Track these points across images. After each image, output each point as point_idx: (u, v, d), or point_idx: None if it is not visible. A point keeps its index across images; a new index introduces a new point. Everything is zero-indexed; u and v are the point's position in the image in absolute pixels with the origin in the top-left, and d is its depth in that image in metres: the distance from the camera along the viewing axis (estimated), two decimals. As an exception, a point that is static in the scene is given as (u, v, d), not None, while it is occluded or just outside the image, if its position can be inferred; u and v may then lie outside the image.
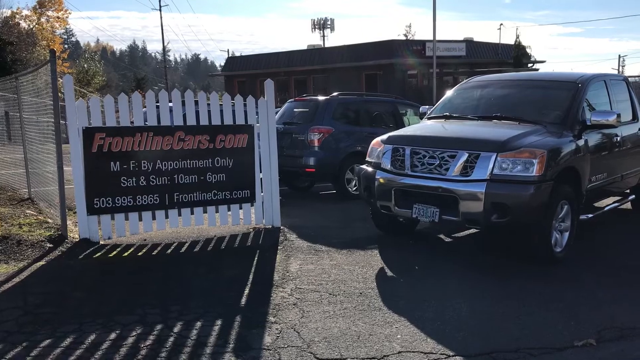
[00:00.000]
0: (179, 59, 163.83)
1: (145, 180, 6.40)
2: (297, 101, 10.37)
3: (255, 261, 5.89)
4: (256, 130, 6.96)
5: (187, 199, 6.63)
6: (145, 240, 6.63)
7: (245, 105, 6.97)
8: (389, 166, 6.09)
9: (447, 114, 6.90)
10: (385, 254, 6.16)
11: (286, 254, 6.13)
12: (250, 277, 5.40)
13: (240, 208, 7.02)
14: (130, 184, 6.34)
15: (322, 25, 70.61)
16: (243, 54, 42.65)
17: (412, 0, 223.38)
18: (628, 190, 7.72)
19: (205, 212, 6.83)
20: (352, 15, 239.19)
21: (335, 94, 10.22)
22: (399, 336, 4.03)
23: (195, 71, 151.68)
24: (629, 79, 8.68)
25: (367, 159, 6.53)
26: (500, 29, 44.28)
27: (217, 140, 6.72)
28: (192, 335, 4.00)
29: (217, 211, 6.91)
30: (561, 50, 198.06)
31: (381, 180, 6.10)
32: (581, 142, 6.03)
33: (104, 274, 5.50)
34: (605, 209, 6.94)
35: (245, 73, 38.49)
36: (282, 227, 7.24)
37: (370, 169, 6.36)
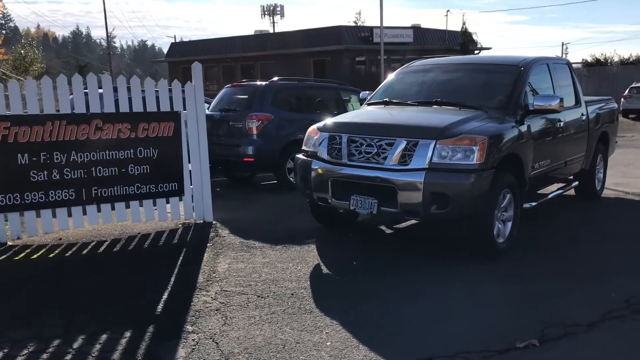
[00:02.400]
0: (125, 46, 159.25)
1: (58, 174, 5.80)
2: (235, 87, 9.85)
3: (180, 261, 5.42)
4: (183, 118, 6.45)
5: (107, 194, 6.07)
6: (60, 239, 6.05)
7: (170, 91, 6.44)
8: (326, 155, 5.70)
9: (387, 99, 6.55)
10: (322, 248, 5.79)
11: (215, 251, 5.68)
12: (172, 279, 4.93)
13: (168, 202, 6.50)
14: (41, 178, 5.73)
15: (271, 11, 69.74)
16: (185, 39, 41.37)
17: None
18: (571, 177, 7.59)
19: (128, 207, 6.29)
20: (303, 2, 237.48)
21: (275, 78, 9.75)
22: (328, 343, 3.66)
23: (142, 58, 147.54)
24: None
25: (304, 147, 6.12)
26: (447, 15, 44.47)
27: (140, 128, 6.17)
28: (93, 352, 3.52)
29: (141, 206, 6.38)
30: (507, 38, 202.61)
31: (318, 171, 5.71)
32: (524, 128, 5.79)
33: (4, 279, 4.92)
34: (549, 196, 6.75)
35: (190, 59, 37.15)
36: (214, 222, 6.77)
37: (306, 158, 5.96)
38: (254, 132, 8.75)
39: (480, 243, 5.36)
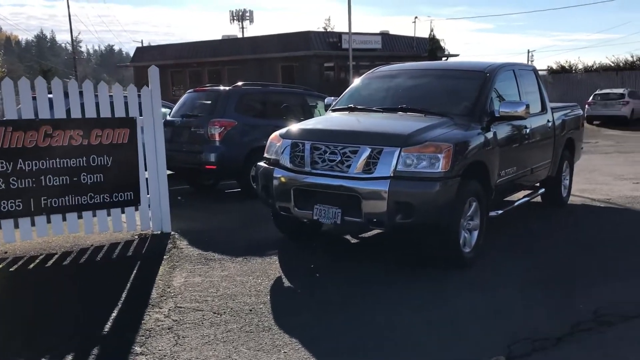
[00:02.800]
0: (91, 50, 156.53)
1: (3, 183, 5.47)
2: (197, 92, 9.57)
3: (133, 275, 5.14)
4: (139, 124, 6.17)
5: (58, 204, 5.75)
6: (6, 252, 5.71)
7: (125, 96, 6.16)
8: (288, 163, 5.49)
9: (352, 105, 6.38)
10: (285, 260, 5.58)
11: (172, 264, 5.41)
12: (124, 295, 4.65)
13: (123, 212, 6.20)
14: (-15, 188, 5.40)
15: (240, 16, 69.38)
16: (153, 44, 40.67)
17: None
18: (538, 184, 7.53)
19: (80, 217, 5.97)
20: (272, 8, 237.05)
21: (239, 83, 9.51)
22: (286, 364, 3.44)
23: (109, 63, 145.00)
24: (537, 71, 8.53)
25: (265, 155, 5.91)
26: (415, 22, 44.75)
27: (93, 135, 5.87)
28: (29, 379, 3.25)
29: (94, 216, 6.06)
30: (474, 45, 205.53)
31: (280, 179, 5.49)
32: (490, 135, 5.68)
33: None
34: (516, 203, 6.67)
35: (156, 64, 36.66)
36: (172, 233, 6.49)
37: (268, 166, 5.74)
38: (217, 138, 8.49)
39: (447, 253, 5.21)
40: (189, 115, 9.01)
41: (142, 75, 38.08)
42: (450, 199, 4.98)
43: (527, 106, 5.87)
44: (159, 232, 6.44)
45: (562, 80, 31.41)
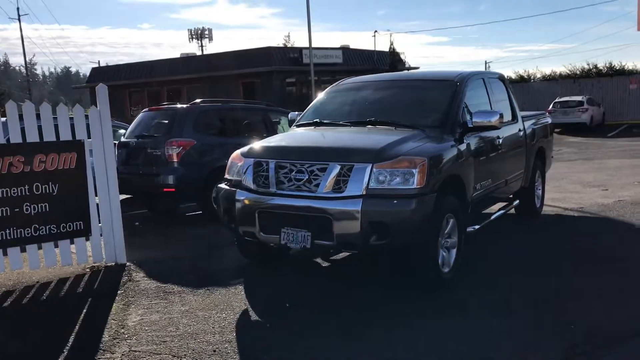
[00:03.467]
0: (47, 73, 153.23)
1: None
2: (153, 111, 9.07)
3: (83, 314, 4.62)
4: (87, 147, 5.67)
5: (-3, 238, 5.21)
6: (-62, 295, 5.12)
7: (72, 118, 5.66)
8: (252, 184, 5.08)
9: (318, 120, 6.02)
10: (251, 290, 5.14)
11: (126, 300, 4.92)
12: (72, 338, 4.14)
13: (72, 243, 5.68)
14: None
15: (199, 35, 68.84)
16: (110, 64, 39.67)
17: (288, 12, 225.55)
18: (511, 195, 7.29)
19: (24, 251, 5.42)
20: (231, 26, 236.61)
21: (197, 101, 9.07)
22: (256, 416, 3.01)
23: (66, 85, 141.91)
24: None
25: (227, 176, 5.48)
26: (374, 36, 44.99)
27: (36, 161, 5.35)
28: None
29: (40, 249, 5.52)
30: (432, 59, 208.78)
31: (243, 202, 5.07)
32: (463, 147, 5.39)
33: None
34: (492, 217, 6.39)
35: (113, 84, 35.72)
36: (128, 264, 5.98)
37: (229, 188, 5.32)
38: (175, 159, 8.01)
39: (425, 274, 4.87)
40: (144, 136, 8.52)
41: (99, 96, 37.20)
42: (427, 216, 4.65)
43: (501, 115, 5.62)
44: (113, 264, 5.93)
45: (522, 90, 31.85)
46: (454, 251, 5.18)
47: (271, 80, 30.70)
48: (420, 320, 4.28)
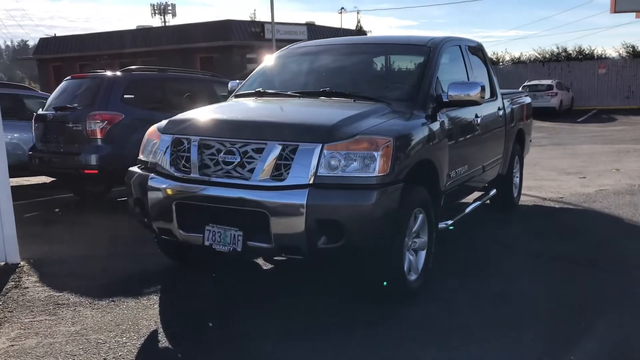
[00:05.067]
0: (3, 46, 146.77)
1: None
2: (77, 79, 7.78)
3: None
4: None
5: None
6: None
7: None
8: (169, 167, 3.96)
9: (261, 89, 4.91)
10: (169, 301, 4.07)
11: (2, 315, 3.77)
12: None
13: (-55, 240, 4.49)
14: None
15: (162, 10, 66.41)
16: (59, 35, 37.24)
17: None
18: (487, 185, 6.33)
19: None
20: (195, 2, 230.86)
21: (130, 67, 7.84)
22: None
23: (32, 59, 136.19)
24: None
25: (140, 156, 4.36)
26: (341, 13, 43.71)
27: None
28: None
29: None
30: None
31: (157, 190, 3.96)
32: (436, 126, 4.38)
33: None
34: (467, 210, 5.41)
35: (62, 56, 33.74)
36: (21, 263, 4.82)
37: (142, 172, 4.19)
38: (98, 135, 6.80)
39: (388, 285, 3.86)
40: (64, 108, 7.25)
41: (46, 69, 35.10)
42: (392, 212, 3.64)
43: (483, 88, 4.61)
44: (2, 264, 4.76)
45: (489, 73, 31.23)
46: (422, 254, 4.20)
47: (231, 55, 29.23)
48: (378, 344, 3.28)
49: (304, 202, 3.47)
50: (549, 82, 25.69)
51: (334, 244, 3.53)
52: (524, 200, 7.43)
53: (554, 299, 4.05)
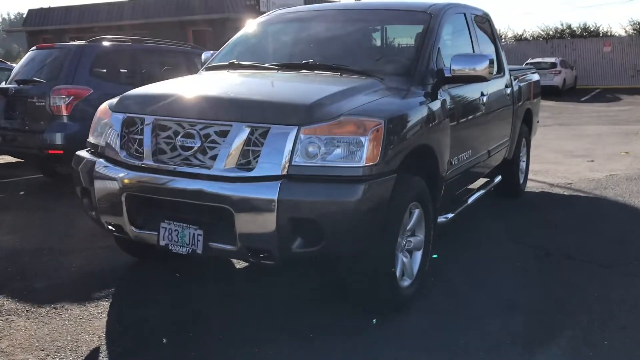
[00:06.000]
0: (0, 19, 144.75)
1: None
2: (42, 49, 7.11)
3: None
4: None
5: None
6: None
7: None
8: (119, 152, 3.34)
9: (234, 61, 4.25)
10: (121, 309, 3.49)
11: None
12: None
13: None
14: None
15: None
16: (51, 6, 36.13)
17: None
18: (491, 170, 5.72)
19: None
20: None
21: (101, 37, 7.15)
22: None
23: (21, 32, 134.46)
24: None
25: (90, 138, 3.74)
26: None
27: None
28: None
29: None
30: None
31: (104, 179, 3.34)
32: (437, 105, 3.76)
33: None
34: (469, 200, 4.79)
35: (52, 29, 32.71)
36: (-41, 259, 4.22)
37: (90, 157, 3.57)
38: (64, 112, 6.17)
39: (377, 291, 3.28)
40: (27, 81, 6.59)
41: (37, 42, 34.06)
42: (382, 209, 3.03)
43: (491, 62, 3.97)
44: (-62, 259, 4.16)
45: (491, 50, 30.38)
46: (418, 254, 3.61)
47: (225, 29, 28.27)
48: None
49: (275, 197, 2.86)
50: (552, 59, 24.86)
51: (312, 248, 2.93)
52: (530, 186, 6.83)
53: (569, 308, 3.46)
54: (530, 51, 28.49)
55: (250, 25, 4.88)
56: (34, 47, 7.18)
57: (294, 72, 3.88)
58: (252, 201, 2.91)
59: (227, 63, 4.27)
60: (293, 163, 2.92)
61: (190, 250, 3.13)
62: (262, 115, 3.03)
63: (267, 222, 2.89)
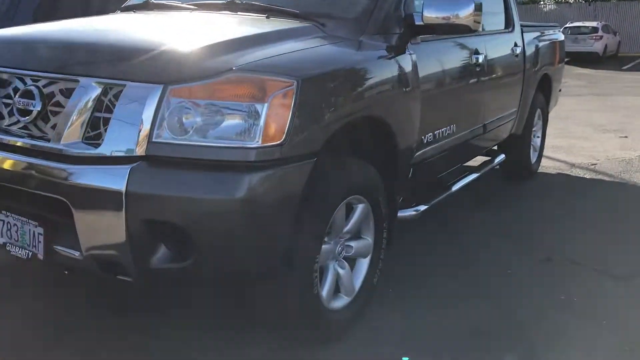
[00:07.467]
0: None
1: None
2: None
3: None
4: None
5: None
6: None
7: None
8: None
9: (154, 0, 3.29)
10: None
11: None
12: None
13: None
14: None
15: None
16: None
17: None
18: (495, 147, 4.69)
19: None
20: None
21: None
22: None
23: None
24: None
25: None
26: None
27: None
28: None
29: None
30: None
31: None
32: (400, 63, 2.76)
33: None
34: (453, 189, 3.76)
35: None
36: None
37: None
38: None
39: (292, 318, 2.38)
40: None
41: None
42: (288, 209, 2.10)
43: (477, 6, 2.90)
44: None
45: (529, 13, 28.44)
46: (364, 263, 2.68)
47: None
48: None
49: (122, 189, 1.95)
50: (594, 24, 23.02)
51: (178, 264, 2.03)
52: (545, 165, 5.78)
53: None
54: (571, 15, 26.58)
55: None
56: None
57: (210, 13, 2.90)
58: (92, 192, 2.01)
59: (142, 2, 3.31)
60: (154, 139, 2.00)
61: (30, 255, 2.26)
62: (115, 68, 2.10)
63: (114, 224, 1.99)
